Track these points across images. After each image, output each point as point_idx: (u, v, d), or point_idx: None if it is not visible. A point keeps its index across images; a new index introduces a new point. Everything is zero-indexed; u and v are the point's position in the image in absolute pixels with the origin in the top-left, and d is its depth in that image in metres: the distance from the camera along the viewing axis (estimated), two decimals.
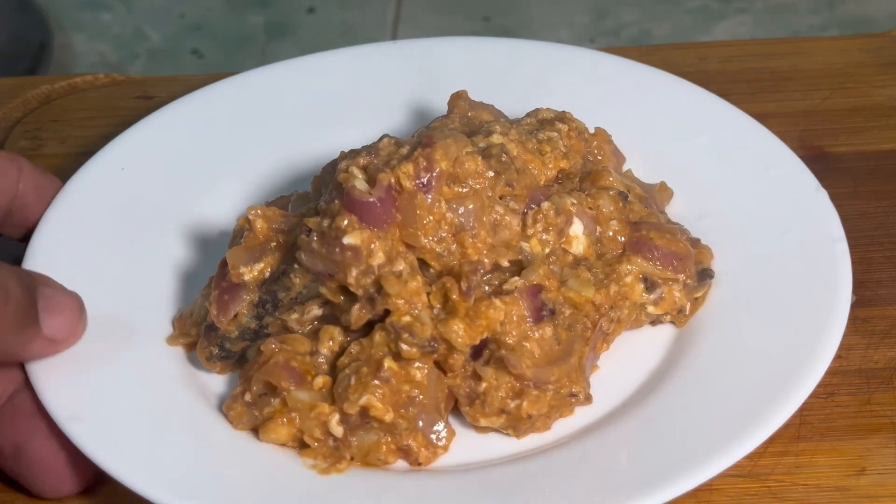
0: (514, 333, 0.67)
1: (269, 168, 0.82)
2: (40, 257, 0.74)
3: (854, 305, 0.72)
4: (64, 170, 0.84)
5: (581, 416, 0.69)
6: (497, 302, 0.67)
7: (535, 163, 0.71)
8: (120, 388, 0.68)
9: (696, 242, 0.73)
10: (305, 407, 0.67)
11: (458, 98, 0.77)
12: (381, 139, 0.70)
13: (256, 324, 0.70)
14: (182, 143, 0.82)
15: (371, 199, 0.66)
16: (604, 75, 0.86)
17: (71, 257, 0.74)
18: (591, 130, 0.77)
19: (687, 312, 0.72)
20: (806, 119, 0.86)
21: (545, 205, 0.70)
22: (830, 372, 0.68)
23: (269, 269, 0.70)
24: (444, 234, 0.68)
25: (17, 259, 0.74)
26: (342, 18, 1.58)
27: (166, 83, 0.93)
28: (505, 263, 0.68)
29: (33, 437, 0.65)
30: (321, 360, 0.68)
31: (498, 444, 0.68)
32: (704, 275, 0.72)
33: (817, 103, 0.87)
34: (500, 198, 0.69)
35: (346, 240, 0.66)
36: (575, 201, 0.71)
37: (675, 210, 0.77)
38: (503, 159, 0.70)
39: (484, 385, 0.67)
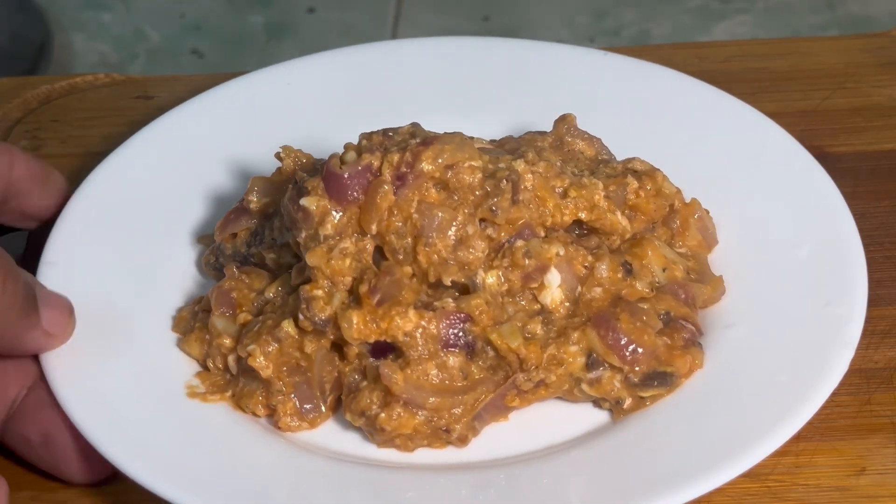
0: (418, 349, 0.66)
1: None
2: (60, 251, 0.74)
3: None
4: (64, 170, 0.84)
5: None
6: (411, 313, 0.65)
7: (550, 202, 0.68)
8: (129, 382, 0.69)
9: (690, 347, 0.68)
10: (215, 333, 0.69)
11: (561, 121, 0.74)
12: (407, 125, 0.70)
13: (246, 250, 0.73)
14: (207, 140, 0.82)
15: (341, 173, 0.67)
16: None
17: (89, 254, 0.74)
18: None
19: (625, 406, 0.67)
20: (806, 119, 0.86)
21: (518, 243, 0.67)
22: None
23: (273, 206, 0.72)
24: (404, 233, 0.67)
25: (18, 259, 0.74)
26: (342, 18, 1.58)
27: (166, 83, 0.93)
28: (447, 282, 0.66)
29: (59, 425, 0.66)
30: (260, 301, 0.70)
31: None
32: (655, 378, 0.67)
33: (817, 103, 0.87)
34: (482, 220, 0.67)
35: (302, 201, 0.67)
36: (562, 252, 0.67)
37: (711, 308, 0.71)
38: (502, 185, 0.67)
39: (364, 383, 0.67)
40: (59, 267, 0.72)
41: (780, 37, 1.32)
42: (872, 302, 0.71)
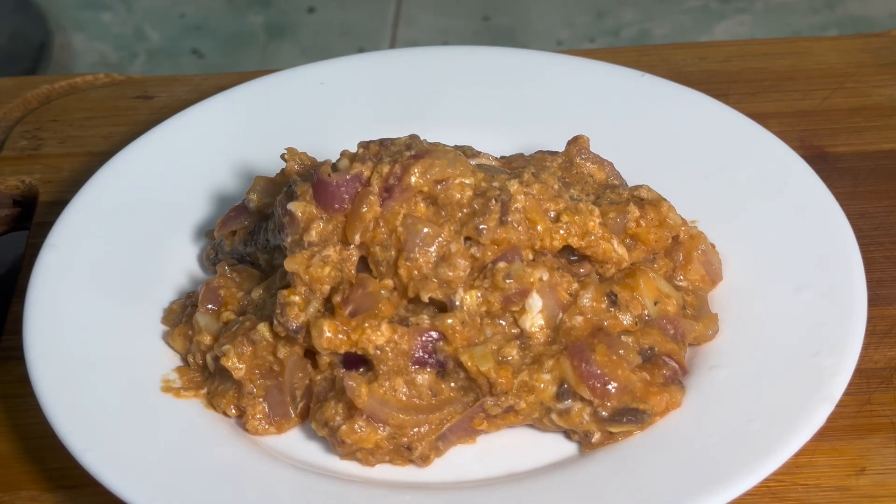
0: (388, 363, 0.65)
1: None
2: (64, 235, 0.74)
3: None
4: (63, 169, 0.84)
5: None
6: (384, 327, 0.65)
7: (540, 225, 0.67)
8: (105, 368, 0.68)
9: (669, 385, 0.66)
10: (197, 329, 0.69)
11: (573, 142, 0.74)
12: (405, 136, 0.69)
13: (243, 249, 0.73)
14: (223, 139, 0.82)
15: (330, 181, 0.66)
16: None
17: (92, 241, 0.74)
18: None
19: (594, 441, 0.66)
20: (806, 119, 0.86)
21: (500, 265, 0.66)
22: None
23: (271, 207, 0.72)
24: (389, 245, 0.66)
25: (18, 259, 0.74)
26: (342, 18, 1.58)
27: (166, 83, 0.93)
28: (425, 299, 0.66)
29: None
30: (245, 301, 0.70)
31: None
32: (626, 414, 0.65)
33: (817, 103, 0.87)
34: (467, 239, 0.66)
35: (290, 205, 0.67)
36: (545, 277, 0.66)
37: (702, 346, 0.70)
38: (491, 204, 0.66)
39: (331, 393, 0.66)
40: (60, 250, 0.72)
41: (780, 37, 1.32)
42: (872, 302, 0.71)
